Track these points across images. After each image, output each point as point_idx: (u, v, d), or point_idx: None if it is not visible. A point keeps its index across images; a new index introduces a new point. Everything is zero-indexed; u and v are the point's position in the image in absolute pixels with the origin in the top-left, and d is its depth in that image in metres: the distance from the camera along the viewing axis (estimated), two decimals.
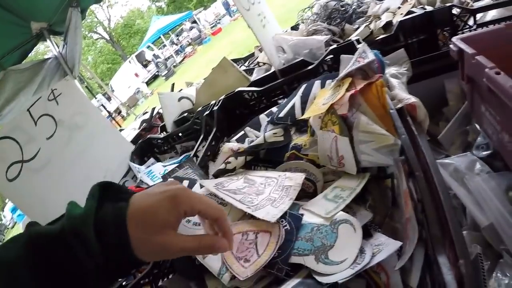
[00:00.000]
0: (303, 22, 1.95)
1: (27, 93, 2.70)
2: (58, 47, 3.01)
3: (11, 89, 2.65)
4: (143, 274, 0.83)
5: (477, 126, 0.98)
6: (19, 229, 12.23)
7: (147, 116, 2.26)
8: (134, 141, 1.97)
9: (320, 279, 0.58)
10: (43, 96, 1.50)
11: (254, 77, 1.60)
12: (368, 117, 0.74)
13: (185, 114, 1.66)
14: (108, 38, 27.32)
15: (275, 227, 0.68)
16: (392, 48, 1.15)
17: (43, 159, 1.43)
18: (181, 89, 2.27)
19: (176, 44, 18.73)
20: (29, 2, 2.57)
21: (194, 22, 19.58)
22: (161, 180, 1.16)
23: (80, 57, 3.04)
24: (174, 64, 16.56)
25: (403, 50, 1.10)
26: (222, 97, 1.33)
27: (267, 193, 0.77)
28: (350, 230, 0.65)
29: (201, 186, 0.87)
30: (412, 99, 0.85)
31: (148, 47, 18.48)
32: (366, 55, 0.84)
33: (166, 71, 15.66)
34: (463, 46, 0.83)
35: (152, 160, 1.67)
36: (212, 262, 0.69)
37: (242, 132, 1.08)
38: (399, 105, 0.84)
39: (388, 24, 1.36)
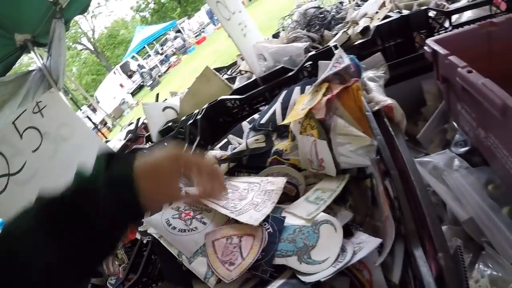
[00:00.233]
0: (283, 30, 1.98)
1: (12, 105, 2.64)
2: (42, 58, 2.98)
3: None
4: (132, 282, 0.83)
5: (455, 124, 1.01)
6: None
7: (132, 126, 2.24)
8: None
9: (303, 278, 0.60)
10: (28, 109, 1.50)
11: (237, 85, 1.61)
12: (345, 120, 0.76)
13: (170, 124, 1.65)
14: (93, 49, 27.03)
15: (258, 231, 0.70)
16: (370, 52, 1.17)
17: (30, 172, 1.42)
18: (166, 99, 2.27)
19: (161, 54, 18.63)
20: (13, 13, 2.53)
21: (178, 31, 19.59)
22: None
23: (64, 69, 2.99)
24: (159, 74, 16.47)
25: (380, 53, 1.12)
26: (205, 105, 1.33)
27: (250, 198, 0.78)
28: (331, 230, 0.66)
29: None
30: (389, 101, 0.87)
31: (133, 57, 18.34)
32: (343, 60, 0.86)
33: (151, 81, 15.57)
34: (436, 47, 0.86)
35: None
36: (199, 267, 0.70)
37: (226, 140, 1.08)
38: (376, 107, 0.87)
39: (366, 29, 1.39)
